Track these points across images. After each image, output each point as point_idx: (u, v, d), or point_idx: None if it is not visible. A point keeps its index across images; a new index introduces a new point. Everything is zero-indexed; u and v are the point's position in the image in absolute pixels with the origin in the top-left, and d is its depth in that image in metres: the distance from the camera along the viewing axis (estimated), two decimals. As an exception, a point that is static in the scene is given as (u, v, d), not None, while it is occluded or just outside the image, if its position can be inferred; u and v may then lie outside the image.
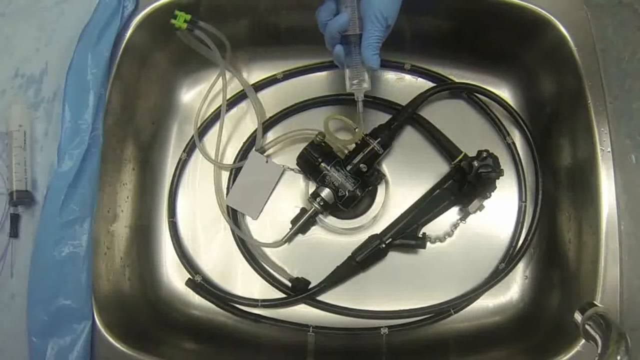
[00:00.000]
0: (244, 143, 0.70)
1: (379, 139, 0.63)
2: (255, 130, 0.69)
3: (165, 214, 0.70)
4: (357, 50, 0.53)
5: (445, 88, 0.68)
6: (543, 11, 0.61)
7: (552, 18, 0.60)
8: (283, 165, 0.69)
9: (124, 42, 0.62)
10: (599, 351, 0.38)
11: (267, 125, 0.71)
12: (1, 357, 0.57)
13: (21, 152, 0.60)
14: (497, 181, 0.62)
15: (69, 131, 0.57)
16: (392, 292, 0.67)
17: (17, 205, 0.59)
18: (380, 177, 0.65)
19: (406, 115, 0.66)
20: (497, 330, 0.65)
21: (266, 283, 0.67)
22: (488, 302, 0.66)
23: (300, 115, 0.71)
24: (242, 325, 0.66)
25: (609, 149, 0.57)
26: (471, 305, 0.65)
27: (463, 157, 0.64)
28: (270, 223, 0.69)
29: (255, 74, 0.73)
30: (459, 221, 0.67)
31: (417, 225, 0.66)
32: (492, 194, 0.65)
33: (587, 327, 0.41)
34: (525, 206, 0.67)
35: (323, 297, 0.66)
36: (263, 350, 0.65)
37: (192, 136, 0.70)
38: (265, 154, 0.70)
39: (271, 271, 0.67)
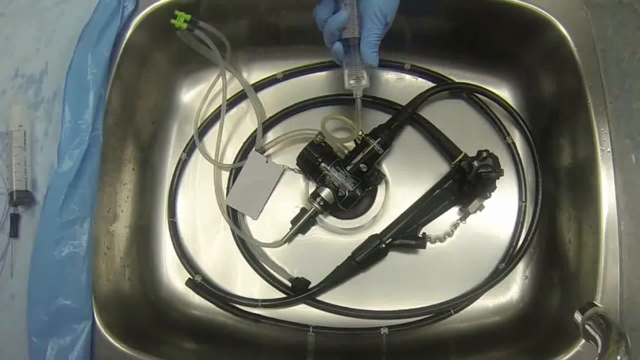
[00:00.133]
0: (244, 143, 0.70)
1: (379, 139, 0.63)
2: (255, 130, 0.69)
3: (165, 214, 0.70)
4: (356, 48, 0.53)
5: (445, 88, 0.68)
6: (543, 11, 0.61)
7: (552, 18, 0.60)
8: (283, 165, 0.69)
9: (124, 42, 0.62)
10: (599, 351, 0.38)
11: (267, 125, 0.71)
12: (1, 357, 0.57)
13: (21, 152, 0.60)
14: (497, 181, 0.62)
15: (69, 131, 0.57)
16: (392, 292, 0.67)
17: (17, 205, 0.59)
18: (380, 177, 0.65)
19: (406, 115, 0.66)
20: (497, 330, 0.65)
21: (266, 283, 0.67)
22: (488, 302, 0.66)
23: (300, 115, 0.71)
24: (242, 325, 0.66)
25: (609, 149, 0.57)
26: (471, 305, 0.65)
27: (463, 157, 0.64)
28: (270, 223, 0.69)
29: (255, 74, 0.73)
30: (459, 221, 0.67)
31: (417, 225, 0.66)
32: (492, 194, 0.65)
33: (587, 327, 0.41)
34: (525, 206, 0.67)
35: (323, 297, 0.66)
36: (263, 350, 0.65)
37: (192, 136, 0.70)
38: (265, 154, 0.70)
39: (271, 271, 0.67)
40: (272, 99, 0.72)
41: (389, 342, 0.64)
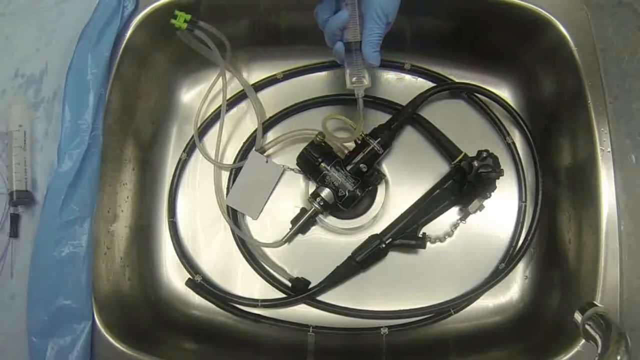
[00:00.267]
0: (244, 143, 0.70)
1: (379, 139, 0.63)
2: (255, 130, 0.69)
3: (165, 214, 0.70)
4: (357, 48, 0.53)
5: (445, 88, 0.68)
6: (543, 11, 0.61)
7: (552, 18, 0.60)
8: (283, 165, 0.69)
9: (124, 42, 0.62)
10: (599, 351, 0.38)
11: (267, 125, 0.71)
12: (1, 357, 0.57)
13: (21, 152, 0.60)
14: (497, 181, 0.62)
15: (69, 131, 0.57)
16: (392, 292, 0.67)
17: (17, 205, 0.59)
18: (380, 177, 0.65)
19: (406, 115, 0.66)
20: (497, 330, 0.65)
21: (266, 283, 0.67)
22: (488, 302, 0.66)
23: (300, 115, 0.71)
24: (242, 325, 0.66)
25: (609, 149, 0.57)
26: (471, 305, 0.65)
27: (463, 157, 0.64)
28: (270, 223, 0.69)
29: (255, 74, 0.73)
30: (459, 221, 0.67)
31: (417, 225, 0.66)
32: (492, 194, 0.65)
33: (587, 327, 0.41)
34: (525, 206, 0.67)
35: (323, 297, 0.66)
36: (263, 350, 0.65)
37: (192, 136, 0.70)
38: (265, 154, 0.70)
39: (271, 271, 0.67)
40: (272, 99, 0.72)
41: (389, 342, 0.64)
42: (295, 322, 0.65)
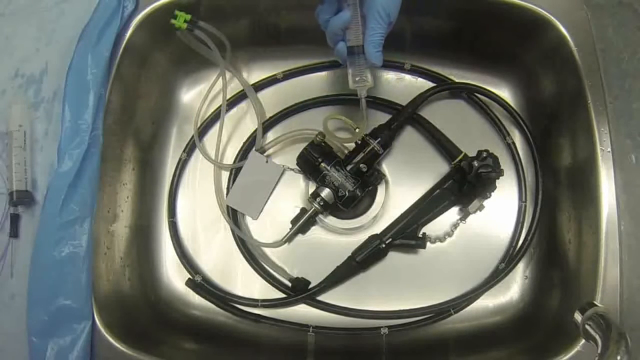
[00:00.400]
0: (244, 143, 0.70)
1: (379, 139, 0.63)
2: (255, 130, 0.69)
3: (165, 214, 0.70)
4: (360, 48, 0.53)
5: (445, 88, 0.68)
6: (543, 11, 0.61)
7: (552, 18, 0.60)
8: (283, 165, 0.69)
9: (124, 42, 0.62)
10: (599, 351, 0.38)
11: (267, 125, 0.71)
12: (1, 357, 0.57)
13: (21, 152, 0.60)
14: (497, 181, 0.62)
15: (69, 131, 0.57)
16: (392, 292, 0.67)
17: (17, 205, 0.59)
18: (380, 177, 0.65)
19: (406, 115, 0.66)
20: (497, 330, 0.65)
21: (266, 283, 0.67)
22: (488, 302, 0.66)
23: (300, 115, 0.71)
24: (242, 325, 0.66)
25: (609, 149, 0.57)
26: (471, 305, 0.65)
27: (463, 157, 0.64)
28: (270, 223, 0.69)
29: (255, 74, 0.73)
30: (459, 221, 0.67)
31: (417, 225, 0.66)
32: (492, 194, 0.65)
33: (587, 327, 0.41)
34: (525, 206, 0.67)
35: (323, 297, 0.66)
36: (263, 350, 0.65)
37: (192, 136, 0.70)
38: (265, 154, 0.70)
39: (271, 271, 0.67)
40: (272, 99, 0.72)
41: (389, 342, 0.64)
42: (295, 322, 0.65)
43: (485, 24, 0.66)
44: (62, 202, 0.55)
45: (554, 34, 0.61)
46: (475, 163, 0.60)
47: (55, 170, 0.57)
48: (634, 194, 0.57)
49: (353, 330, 0.64)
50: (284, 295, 0.66)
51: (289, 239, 0.68)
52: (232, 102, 0.72)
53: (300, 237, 0.69)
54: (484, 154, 0.61)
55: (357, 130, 0.62)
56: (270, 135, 0.71)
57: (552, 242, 0.65)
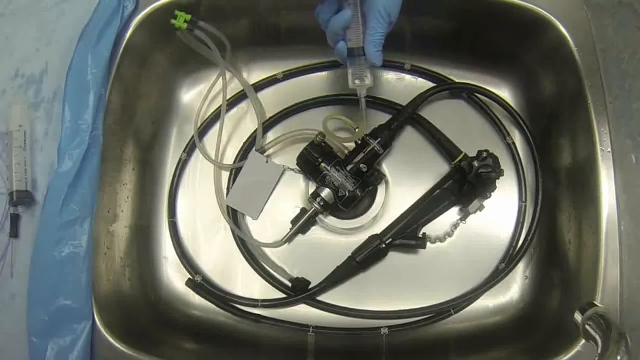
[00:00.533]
0: (244, 143, 0.70)
1: (379, 139, 0.63)
2: (255, 130, 0.69)
3: (165, 214, 0.70)
4: (360, 48, 0.53)
5: (445, 88, 0.68)
6: (543, 11, 0.61)
7: (552, 18, 0.60)
8: (283, 165, 0.69)
9: (124, 42, 0.62)
10: (599, 351, 0.38)
11: (267, 125, 0.71)
12: (1, 357, 0.57)
13: (21, 152, 0.60)
14: (497, 181, 0.62)
15: (69, 131, 0.57)
16: (392, 292, 0.67)
17: (17, 205, 0.59)
18: (380, 177, 0.65)
19: (406, 115, 0.66)
20: (497, 330, 0.65)
21: (266, 283, 0.67)
22: (488, 302, 0.66)
23: (300, 115, 0.71)
24: (242, 325, 0.66)
25: (609, 149, 0.57)
26: (471, 305, 0.65)
27: (463, 157, 0.64)
28: (270, 223, 0.69)
29: (255, 74, 0.73)
30: (459, 221, 0.67)
31: (417, 225, 0.65)
32: (492, 194, 0.65)
33: (587, 327, 0.41)
34: (525, 206, 0.67)
35: (323, 297, 0.66)
36: (263, 350, 0.65)
37: (192, 136, 0.70)
38: (265, 154, 0.70)
39: (271, 271, 0.67)
40: (272, 99, 0.72)
41: (389, 342, 0.64)
42: (295, 322, 0.65)
43: (485, 24, 0.66)
44: (62, 202, 0.55)
45: (554, 34, 0.61)
46: (475, 163, 0.60)
47: (55, 170, 0.57)
48: (634, 194, 0.57)
49: (353, 330, 0.64)
50: (284, 295, 0.66)
51: (289, 239, 0.68)
52: (232, 102, 0.72)
53: (300, 237, 0.69)
54: (484, 154, 0.61)
55: (357, 130, 0.62)
56: (270, 135, 0.71)
57: (552, 242, 0.65)
